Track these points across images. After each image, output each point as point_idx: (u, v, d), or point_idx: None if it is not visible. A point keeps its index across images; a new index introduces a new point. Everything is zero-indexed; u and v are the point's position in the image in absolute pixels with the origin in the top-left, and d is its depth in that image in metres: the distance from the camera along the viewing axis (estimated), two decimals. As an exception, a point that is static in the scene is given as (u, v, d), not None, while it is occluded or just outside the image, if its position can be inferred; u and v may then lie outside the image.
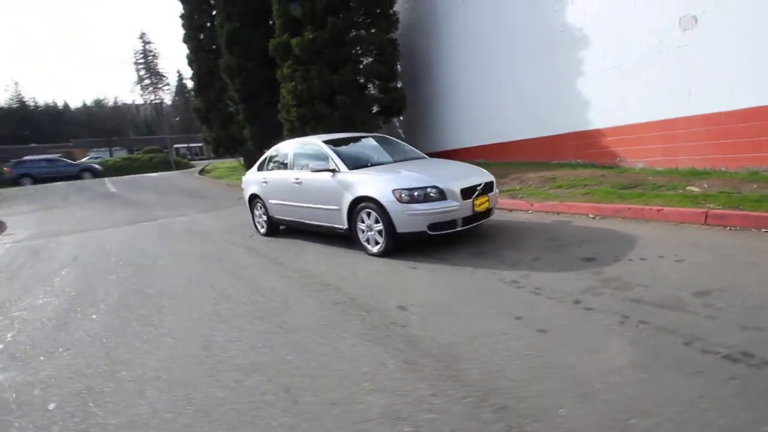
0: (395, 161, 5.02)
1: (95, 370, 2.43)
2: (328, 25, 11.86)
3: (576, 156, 8.01)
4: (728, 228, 3.80)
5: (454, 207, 4.03)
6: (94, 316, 3.46)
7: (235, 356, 2.39)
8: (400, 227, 4.04)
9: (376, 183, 4.27)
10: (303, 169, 5.30)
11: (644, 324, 2.26)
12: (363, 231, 4.43)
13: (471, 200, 4.14)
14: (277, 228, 6.11)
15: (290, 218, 5.62)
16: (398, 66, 12.85)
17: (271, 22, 14.17)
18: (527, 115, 9.02)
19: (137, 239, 6.90)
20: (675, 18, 5.91)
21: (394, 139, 6.14)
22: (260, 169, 6.26)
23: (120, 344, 2.77)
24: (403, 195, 3.99)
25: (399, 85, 12.97)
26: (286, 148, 5.86)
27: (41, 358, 2.74)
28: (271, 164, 6.07)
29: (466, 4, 11.11)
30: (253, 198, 6.34)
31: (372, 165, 4.80)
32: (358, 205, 4.40)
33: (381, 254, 4.26)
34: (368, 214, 4.32)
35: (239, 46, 14.54)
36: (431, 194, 3.98)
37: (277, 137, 16.98)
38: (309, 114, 12.00)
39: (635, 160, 6.93)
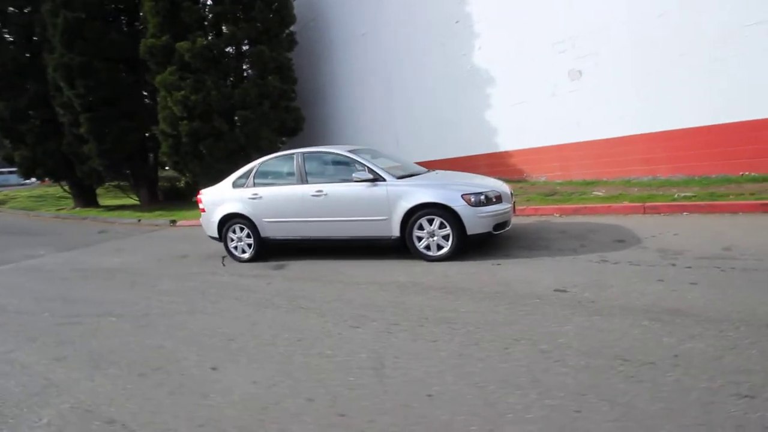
0: (419, 173, 5.21)
1: None
2: (226, 33, 10.91)
3: (490, 173, 9.65)
4: (662, 214, 5.56)
5: (508, 208, 4.58)
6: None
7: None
8: (471, 230, 4.33)
9: (439, 190, 4.45)
10: (324, 182, 4.95)
11: (718, 269, 3.28)
12: (421, 238, 4.49)
13: (512, 203, 4.78)
14: (265, 251, 5.37)
15: (298, 236, 5.09)
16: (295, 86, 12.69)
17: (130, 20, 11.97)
18: (443, 138, 10.34)
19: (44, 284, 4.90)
20: (565, 71, 8.11)
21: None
22: (238, 186, 5.43)
23: None
24: (472, 199, 4.32)
25: (297, 105, 12.78)
26: (287, 160, 5.29)
27: None
28: (262, 179, 5.35)
29: (366, 37, 12.00)
30: (229, 219, 5.41)
31: (411, 175, 4.91)
32: (417, 212, 4.46)
33: (443, 258, 4.41)
34: (430, 221, 4.44)
35: (84, 42, 11.64)
36: (492, 198, 4.43)
37: (142, 155, 14.06)
38: (204, 129, 10.61)
39: (539, 175, 8.92)
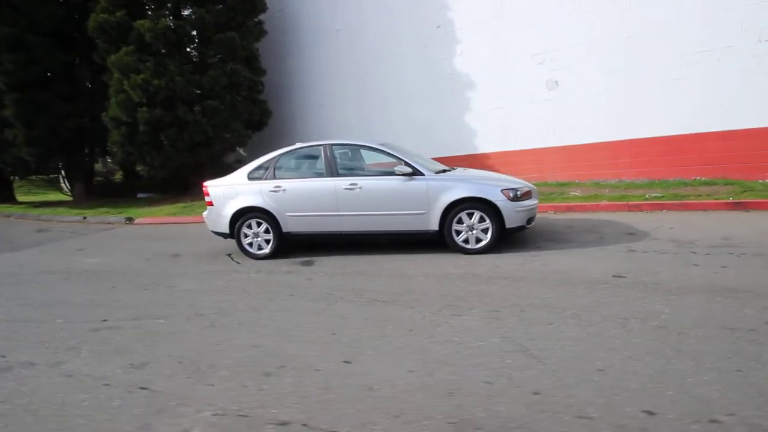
0: (446, 169, 5.29)
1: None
2: (192, 15, 10.10)
3: (468, 173, 10.12)
4: (644, 211, 6.30)
5: (536, 204, 4.88)
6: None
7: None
8: (509, 223, 4.54)
9: (479, 185, 4.61)
10: (357, 175, 4.85)
11: (733, 254, 3.86)
12: (460, 232, 4.60)
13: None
14: (284, 246, 5.11)
15: (326, 231, 4.93)
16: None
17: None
18: (422, 140, 10.53)
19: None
20: (543, 80, 8.78)
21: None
22: (256, 178, 5.10)
23: None
24: (510, 194, 4.53)
25: (264, 98, 12.22)
26: (313, 152, 5.08)
27: None
28: (283, 171, 5.08)
29: (340, 33, 11.86)
30: (244, 213, 5.05)
31: (445, 171, 4.99)
32: (457, 206, 4.56)
33: (481, 251, 4.57)
34: (470, 215, 4.56)
35: (13, 12, 10.00)
36: (526, 193, 4.69)
37: (78, 145, 12.25)
38: (166, 118, 9.72)
39: (516, 176, 9.50)
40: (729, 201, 6.01)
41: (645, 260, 3.92)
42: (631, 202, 6.56)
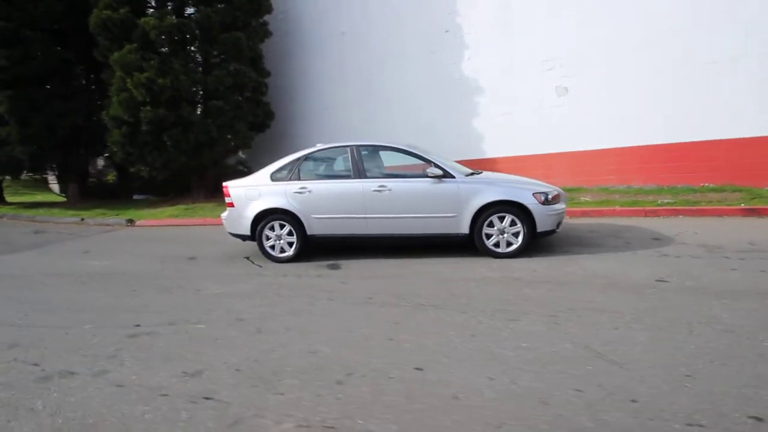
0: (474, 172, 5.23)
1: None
2: (198, 14, 9.92)
3: (475, 178, 10.13)
4: (661, 217, 6.36)
5: (565, 208, 4.87)
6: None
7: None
8: (540, 227, 4.50)
9: (510, 188, 4.57)
10: (385, 177, 4.77)
11: (765, 259, 3.89)
12: (490, 235, 4.55)
13: (563, 203, 5.10)
14: (307, 249, 4.98)
15: (352, 233, 4.82)
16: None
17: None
18: (426, 143, 10.36)
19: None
20: (552, 86, 8.86)
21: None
22: (279, 179, 4.97)
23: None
24: (542, 197, 4.50)
25: (267, 100, 12.07)
26: (339, 153, 4.99)
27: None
28: (308, 172, 4.98)
29: (345, 36, 11.81)
30: (267, 215, 4.92)
31: (473, 174, 4.94)
32: (488, 210, 4.51)
33: (512, 255, 4.51)
34: (501, 218, 4.52)
35: (8, 5, 9.65)
36: (556, 197, 4.66)
37: (74, 144, 11.83)
38: (170, 117, 9.50)
39: (523, 181, 9.58)
40: (743, 207, 6.11)
41: (681, 265, 3.93)
42: (647, 208, 6.63)
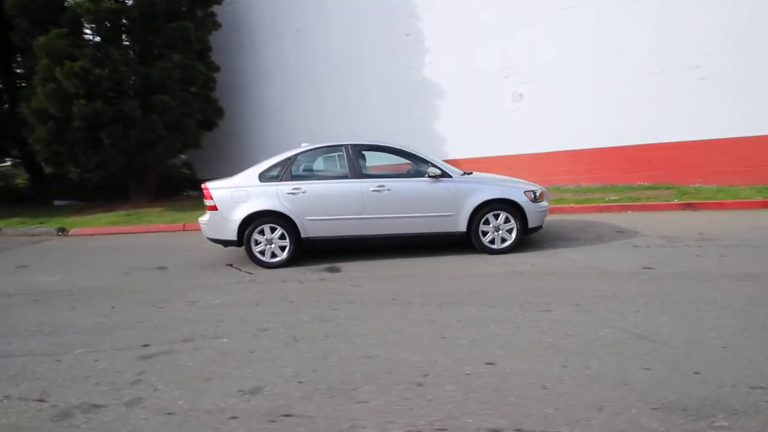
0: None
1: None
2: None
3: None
4: (614, 212, 7.07)
5: (548, 205, 5.20)
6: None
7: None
8: (531, 223, 4.77)
9: (504, 187, 4.78)
10: (381, 177, 4.73)
11: (719, 246, 4.52)
12: (486, 232, 4.71)
13: (543, 201, 5.44)
14: (300, 253, 4.77)
15: (349, 234, 4.72)
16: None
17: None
18: (389, 145, 10.61)
19: None
20: (509, 92, 9.42)
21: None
22: (269, 179, 4.70)
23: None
24: (531, 195, 4.77)
25: (216, 96, 11.33)
26: (333, 152, 4.85)
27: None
28: (301, 172, 4.77)
29: (301, 34, 11.50)
30: (257, 218, 4.62)
31: (466, 173, 5.06)
32: (484, 208, 4.67)
33: (506, 251, 4.72)
34: (496, 216, 4.70)
35: None
36: (542, 195, 4.96)
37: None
38: (109, 112, 8.54)
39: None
40: (681, 202, 7.04)
41: (654, 254, 4.41)
42: (601, 204, 7.34)
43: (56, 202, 11.61)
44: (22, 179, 13.35)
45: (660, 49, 8.14)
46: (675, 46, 8.03)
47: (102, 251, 6.51)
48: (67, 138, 8.52)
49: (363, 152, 4.89)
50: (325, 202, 4.66)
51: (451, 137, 10.18)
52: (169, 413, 1.97)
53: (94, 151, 8.77)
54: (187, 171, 12.15)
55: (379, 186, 4.65)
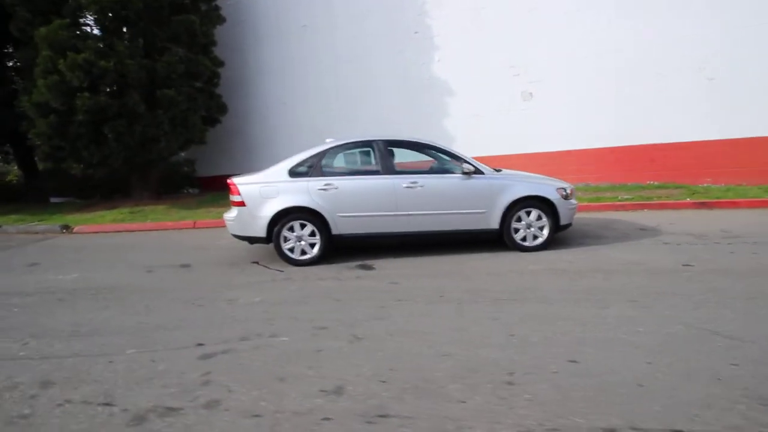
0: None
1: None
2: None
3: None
4: (629, 211, 7.12)
5: (577, 203, 5.20)
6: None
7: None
8: (563, 220, 4.77)
9: (537, 184, 4.76)
10: (414, 173, 4.67)
11: (747, 243, 4.57)
12: (518, 230, 4.69)
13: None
14: (330, 250, 4.67)
15: (381, 231, 4.65)
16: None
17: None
18: (398, 142, 10.54)
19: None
20: (518, 91, 9.44)
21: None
22: (299, 174, 4.59)
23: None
24: (563, 192, 4.76)
25: (220, 92, 11.12)
26: (364, 148, 4.78)
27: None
28: (331, 168, 4.68)
29: (307, 30, 11.36)
30: (287, 214, 4.51)
31: (496, 170, 5.02)
32: (517, 205, 4.64)
33: (539, 248, 4.70)
34: (528, 213, 4.67)
35: None
36: (572, 192, 4.96)
37: None
38: (114, 106, 8.30)
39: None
40: (695, 201, 7.13)
41: (687, 251, 4.44)
42: (617, 203, 7.40)
43: (53, 200, 11.23)
44: (14, 176, 12.89)
45: (668, 50, 8.25)
46: (683, 47, 8.15)
47: (112, 249, 6.29)
48: (70, 132, 8.23)
49: (394, 148, 4.82)
50: (358, 199, 4.57)
51: (460, 135, 10.15)
52: (255, 415, 1.87)
53: (97, 146, 8.50)
54: (186, 168, 11.89)
55: (411, 182, 4.58)
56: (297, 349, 2.54)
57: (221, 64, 10.74)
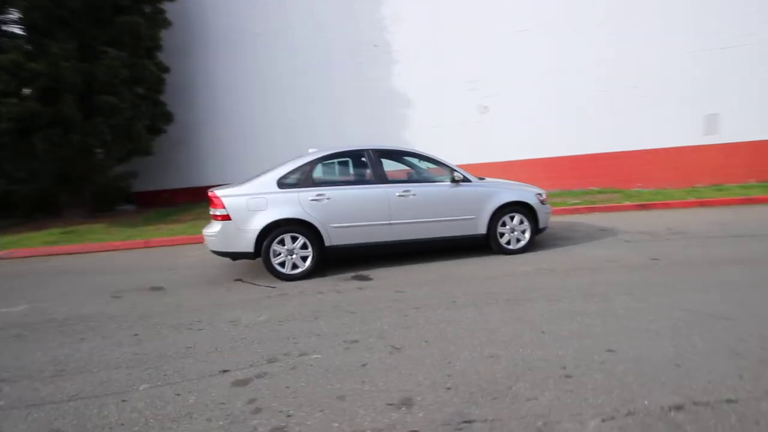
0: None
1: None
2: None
3: (407, 187, 10.56)
4: (583, 213, 7.77)
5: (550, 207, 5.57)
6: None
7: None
8: (541, 224, 5.08)
9: (518, 190, 5.03)
10: (404, 182, 4.73)
11: (699, 238, 5.24)
12: (503, 234, 4.90)
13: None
14: (322, 262, 4.53)
15: (374, 241, 4.62)
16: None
17: None
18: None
19: None
20: (475, 105, 9.96)
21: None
22: (289, 185, 4.42)
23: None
24: (540, 198, 5.08)
25: (164, 100, 10.39)
26: (354, 157, 4.71)
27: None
28: (322, 178, 4.54)
29: (260, 38, 11.07)
30: (277, 227, 4.31)
31: (482, 178, 5.21)
32: (502, 211, 4.86)
33: (521, 251, 4.96)
34: (511, 218, 4.92)
35: None
36: (546, 198, 5.31)
37: None
38: (45, 114, 7.42)
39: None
40: (636, 203, 8.00)
41: (647, 247, 4.96)
42: (571, 207, 8.06)
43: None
44: None
45: (606, 69, 9.28)
46: (618, 67, 9.21)
47: (58, 274, 5.51)
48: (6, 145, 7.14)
49: (385, 158, 4.83)
50: (351, 209, 4.50)
51: (420, 146, 10.30)
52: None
53: (23, 160, 7.46)
54: (122, 183, 10.82)
55: (404, 191, 4.62)
56: (337, 365, 2.42)
57: (166, 69, 10.04)
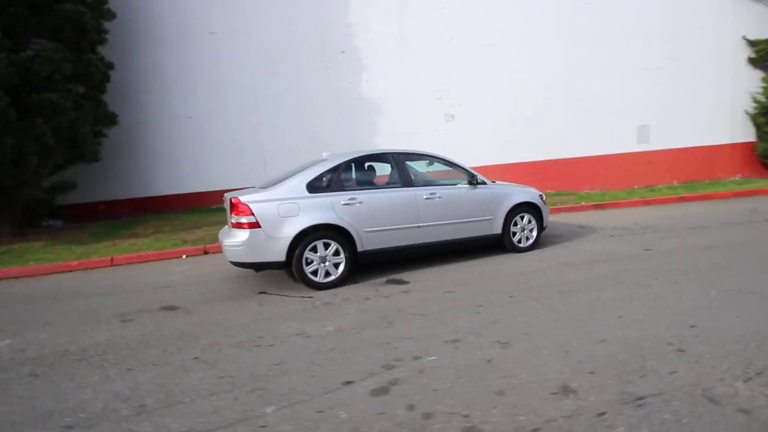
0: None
1: None
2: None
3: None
4: (561, 213, 8.46)
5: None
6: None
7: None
8: (545, 223, 5.46)
9: (524, 191, 5.36)
10: (429, 185, 4.79)
11: (673, 230, 6.04)
12: (515, 233, 5.19)
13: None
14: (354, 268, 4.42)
15: (404, 244, 4.63)
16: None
17: None
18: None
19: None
20: (442, 113, 10.36)
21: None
22: (319, 189, 4.26)
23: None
24: (542, 198, 5.47)
25: (106, 101, 9.28)
26: (378, 160, 4.68)
27: None
28: (350, 182, 4.46)
29: (216, 37, 10.41)
30: (310, 233, 4.12)
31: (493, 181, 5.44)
32: (514, 211, 5.14)
33: (530, 248, 5.29)
34: (522, 217, 5.23)
35: None
36: (545, 199, 5.72)
37: None
38: (-28, 113, 6.27)
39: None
40: (592, 204, 8.94)
41: (631, 240, 5.61)
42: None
43: None
44: None
45: (557, 85, 10.29)
46: (566, 83, 10.28)
47: (23, 302, 4.59)
48: None
49: (408, 161, 4.86)
50: (383, 212, 4.45)
51: (391, 153, 10.58)
52: (517, 428, 1.75)
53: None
54: (59, 194, 9.36)
55: (430, 194, 4.69)
56: (461, 364, 2.40)
57: (110, 66, 8.96)
